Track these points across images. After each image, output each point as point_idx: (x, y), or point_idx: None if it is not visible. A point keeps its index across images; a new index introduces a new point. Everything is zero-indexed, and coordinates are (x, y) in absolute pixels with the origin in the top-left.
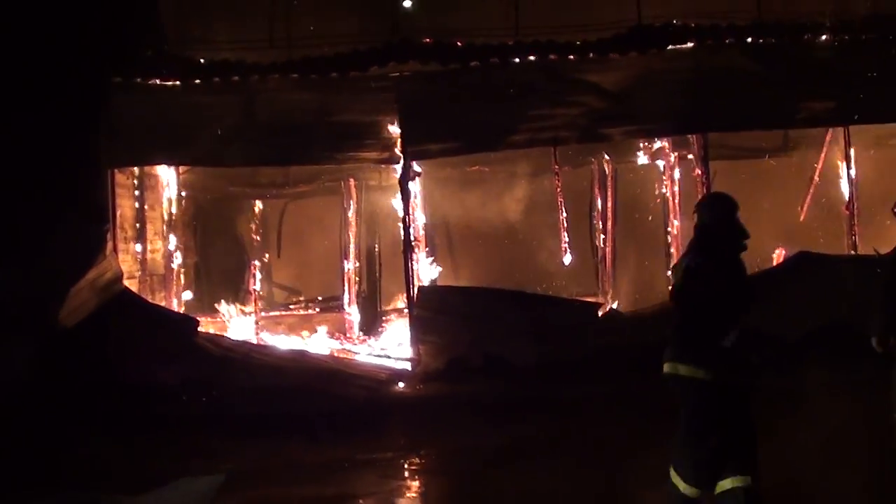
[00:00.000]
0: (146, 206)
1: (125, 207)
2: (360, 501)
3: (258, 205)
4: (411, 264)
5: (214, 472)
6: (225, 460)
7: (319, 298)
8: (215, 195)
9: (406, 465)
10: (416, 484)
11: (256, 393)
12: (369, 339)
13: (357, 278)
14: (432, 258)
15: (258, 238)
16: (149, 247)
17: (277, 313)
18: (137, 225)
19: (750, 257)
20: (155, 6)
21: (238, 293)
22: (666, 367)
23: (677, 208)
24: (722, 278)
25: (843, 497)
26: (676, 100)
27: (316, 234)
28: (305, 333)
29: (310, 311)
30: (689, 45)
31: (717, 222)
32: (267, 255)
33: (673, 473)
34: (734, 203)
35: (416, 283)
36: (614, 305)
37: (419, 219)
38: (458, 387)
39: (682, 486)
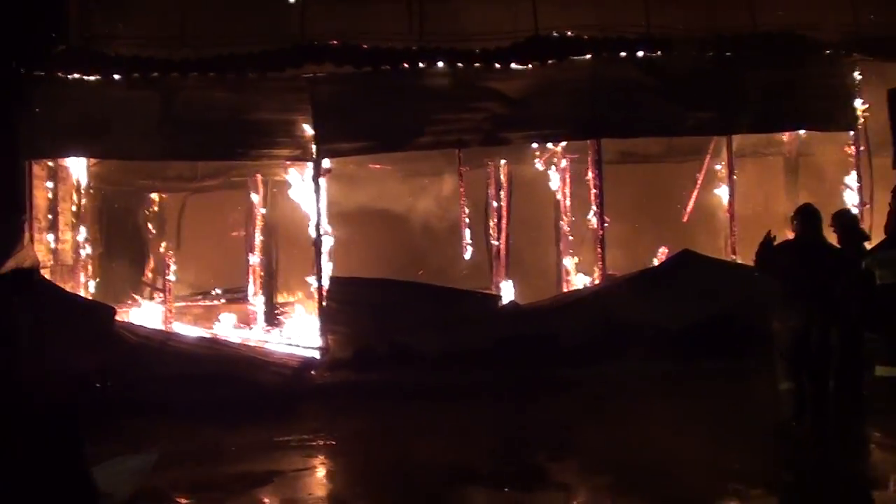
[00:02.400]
0: (58, 198)
1: (39, 198)
2: (288, 476)
3: (155, 197)
4: (321, 258)
5: (141, 454)
6: (147, 444)
7: (217, 291)
8: (122, 188)
9: (322, 446)
10: (334, 462)
11: (174, 380)
12: (271, 329)
13: (262, 272)
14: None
15: (153, 230)
16: (59, 237)
17: (184, 304)
18: (49, 215)
19: (634, 256)
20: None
21: (139, 284)
22: None
23: (567, 209)
24: None
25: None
26: (573, 107)
27: (218, 227)
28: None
29: (215, 303)
30: (587, 56)
31: None
32: (163, 247)
33: None
34: None
35: (326, 276)
36: (508, 298)
37: (325, 214)
38: (365, 374)
39: None
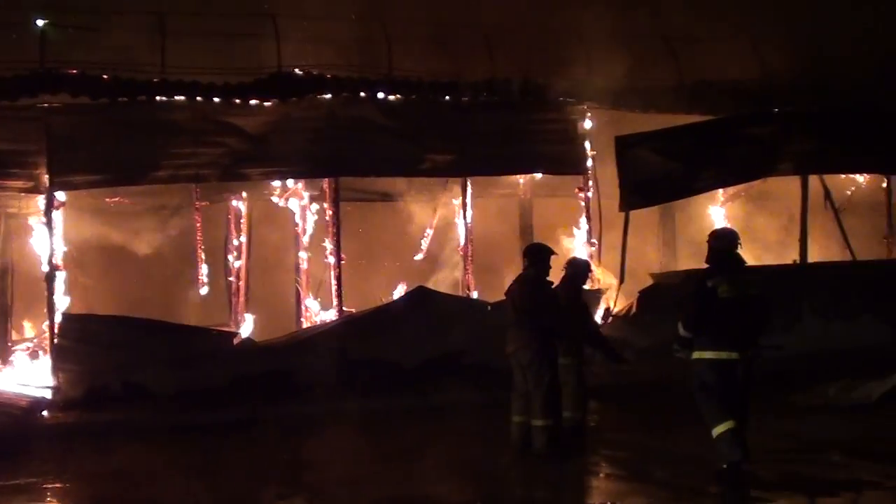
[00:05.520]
0: None
1: None
2: None
3: None
4: (53, 293)
5: None
6: None
7: None
8: None
9: (51, 490)
10: None
11: None
12: (3, 368)
13: None
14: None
15: None
16: None
17: None
18: None
19: (372, 292)
20: None
21: None
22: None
23: (307, 245)
24: None
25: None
26: (312, 145)
27: None
28: None
29: None
30: (327, 95)
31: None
32: None
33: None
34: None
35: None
36: (246, 335)
37: (59, 248)
38: (98, 414)
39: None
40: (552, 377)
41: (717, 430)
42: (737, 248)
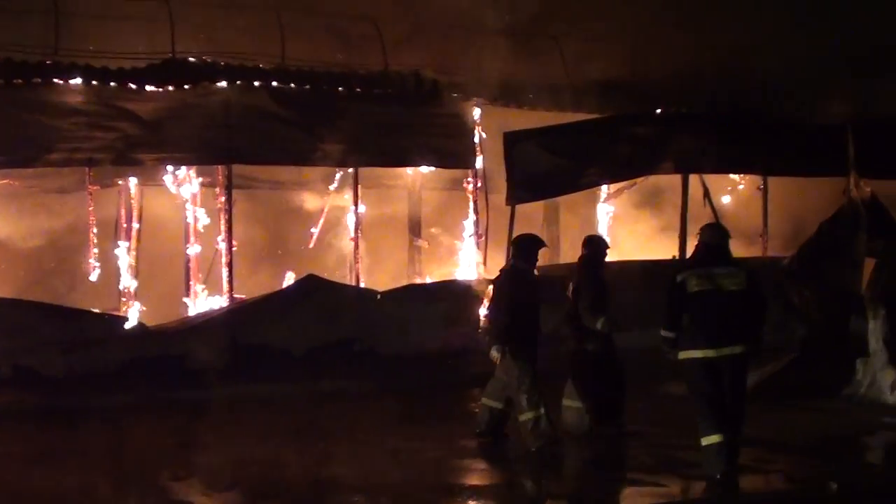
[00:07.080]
0: None
1: None
2: None
3: None
4: None
5: None
6: None
7: None
8: None
9: None
10: None
11: None
12: None
13: None
14: None
15: None
16: None
17: None
18: None
19: (262, 280)
20: None
21: None
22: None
23: (197, 231)
24: None
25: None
26: (206, 132)
27: None
28: None
29: None
30: (222, 83)
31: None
32: None
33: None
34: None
35: None
36: (137, 320)
37: None
38: None
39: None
40: (522, 370)
41: (705, 441)
42: (723, 241)
